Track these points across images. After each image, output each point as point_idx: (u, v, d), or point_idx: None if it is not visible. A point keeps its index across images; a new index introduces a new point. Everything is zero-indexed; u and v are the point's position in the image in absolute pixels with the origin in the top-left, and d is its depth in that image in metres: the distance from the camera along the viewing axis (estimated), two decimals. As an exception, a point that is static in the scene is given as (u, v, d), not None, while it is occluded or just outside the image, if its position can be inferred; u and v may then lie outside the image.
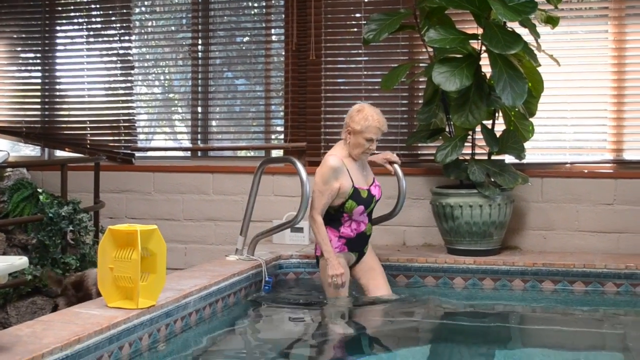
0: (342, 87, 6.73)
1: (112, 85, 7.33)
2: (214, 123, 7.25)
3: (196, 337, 4.09)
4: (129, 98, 7.26)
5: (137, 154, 7.20)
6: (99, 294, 4.21)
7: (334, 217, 4.88)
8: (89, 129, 7.36)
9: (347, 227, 4.88)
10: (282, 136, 6.88)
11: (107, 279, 3.69)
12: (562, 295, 5.23)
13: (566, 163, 6.18)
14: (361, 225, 4.93)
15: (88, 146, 7.29)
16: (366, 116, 4.78)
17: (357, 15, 6.66)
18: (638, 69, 6.08)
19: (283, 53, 6.86)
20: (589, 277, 5.31)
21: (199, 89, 7.14)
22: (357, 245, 4.97)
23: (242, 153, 7.22)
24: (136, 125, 7.27)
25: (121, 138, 7.23)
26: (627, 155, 6.12)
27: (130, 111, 7.24)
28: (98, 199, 6.56)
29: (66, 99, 7.49)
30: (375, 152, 5.05)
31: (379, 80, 6.15)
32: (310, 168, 6.21)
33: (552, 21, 5.55)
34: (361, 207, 4.85)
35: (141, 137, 7.35)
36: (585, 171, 6.10)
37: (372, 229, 5.03)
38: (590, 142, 6.22)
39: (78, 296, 4.64)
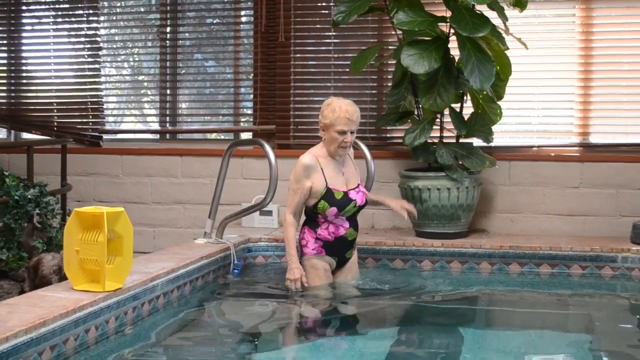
0: (311, 70, 6.72)
1: (80, 67, 7.25)
2: (182, 105, 7.21)
3: (164, 320, 4.07)
4: (96, 80, 7.19)
5: (105, 136, 7.14)
6: (57, 280, 4.19)
7: (311, 217, 4.79)
8: (56, 111, 7.28)
9: (325, 229, 4.73)
10: (251, 119, 6.86)
11: (73, 261, 3.66)
12: (528, 278, 5.28)
13: (533, 146, 6.23)
14: (340, 229, 4.74)
15: (55, 128, 7.21)
16: (334, 108, 4.63)
17: (327, -3, 6.65)
18: (605, 53, 6.14)
19: (252, 35, 6.82)
20: (555, 260, 5.36)
21: (168, 71, 7.08)
22: (336, 250, 4.80)
23: (212, 136, 7.19)
24: (104, 107, 7.20)
25: (89, 120, 7.17)
26: (594, 139, 6.18)
27: (98, 93, 7.17)
28: (65, 181, 6.50)
29: (33, 81, 7.40)
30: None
31: (349, 62, 6.14)
32: (279, 151, 6.23)
33: (520, 4, 5.56)
34: (334, 209, 4.66)
35: (109, 119, 7.28)
36: (552, 154, 6.15)
37: (355, 235, 4.85)
38: (557, 126, 6.27)
39: (35, 282, 4.57)
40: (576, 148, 6.18)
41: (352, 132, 4.65)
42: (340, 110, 4.60)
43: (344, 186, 4.73)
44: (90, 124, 7.16)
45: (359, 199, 4.77)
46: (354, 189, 4.78)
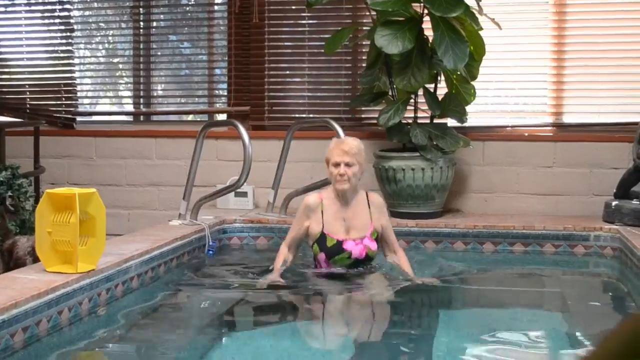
0: (285, 51, 6.70)
1: (53, 49, 7.18)
2: (157, 87, 7.17)
3: (138, 302, 4.07)
4: (69, 62, 7.13)
5: (79, 118, 7.09)
6: (32, 262, 4.17)
7: (313, 255, 4.59)
8: (28, 93, 7.22)
9: (320, 268, 4.51)
10: (225, 100, 6.84)
11: (46, 243, 3.64)
12: (502, 256, 5.32)
13: (507, 126, 6.26)
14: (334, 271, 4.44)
15: (28, 111, 7.15)
16: (332, 143, 4.42)
17: (301, -23, 6.62)
18: (578, 33, 6.17)
19: (226, 16, 6.79)
20: (529, 239, 5.41)
21: (141, 52, 7.04)
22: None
23: (188, 118, 7.16)
24: (77, 89, 7.15)
25: (62, 103, 7.11)
26: (567, 119, 6.22)
27: (71, 75, 7.11)
28: (38, 164, 6.45)
29: (4, 62, 7.32)
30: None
31: (323, 43, 6.13)
32: (254, 132, 6.22)
33: (493, -15, 5.58)
34: (323, 255, 4.41)
35: (83, 101, 7.23)
36: (526, 134, 6.19)
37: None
38: (531, 106, 6.30)
39: (10, 264, 4.55)
40: (549, 128, 6.22)
41: (347, 165, 4.31)
42: (334, 143, 4.41)
43: (341, 234, 4.40)
44: (64, 106, 7.10)
45: (357, 252, 4.38)
46: (355, 239, 4.40)
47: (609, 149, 5.99)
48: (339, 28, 6.16)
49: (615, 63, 6.13)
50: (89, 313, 3.63)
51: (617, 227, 5.33)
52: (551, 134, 6.17)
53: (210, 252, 5.15)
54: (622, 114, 6.10)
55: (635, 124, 5.75)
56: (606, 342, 0.55)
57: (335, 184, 4.37)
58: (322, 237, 4.39)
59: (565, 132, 6.19)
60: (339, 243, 4.38)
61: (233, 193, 6.06)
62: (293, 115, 6.53)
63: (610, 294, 4.79)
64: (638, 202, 5.46)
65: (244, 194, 6.18)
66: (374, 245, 4.43)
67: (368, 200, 4.48)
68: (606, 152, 5.99)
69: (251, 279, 4.65)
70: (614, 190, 5.65)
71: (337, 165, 4.32)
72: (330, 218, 4.40)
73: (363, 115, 6.50)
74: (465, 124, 5.85)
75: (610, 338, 0.55)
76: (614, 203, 5.53)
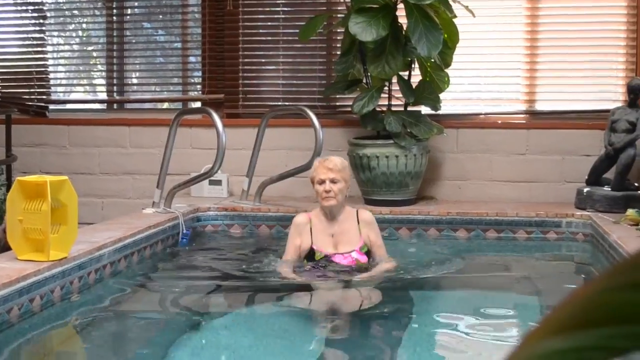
0: (260, 38, 6.67)
1: (25, 36, 7.12)
2: (130, 75, 7.12)
3: (111, 290, 4.05)
4: (42, 49, 7.06)
5: (52, 106, 7.02)
6: (1, 250, 4.14)
7: None
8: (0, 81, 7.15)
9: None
10: (199, 88, 6.81)
11: (17, 231, 3.62)
12: (475, 243, 5.35)
13: (481, 114, 6.29)
14: None
15: (-1, 99, 7.09)
16: (316, 162, 4.45)
17: (275, -35, 6.60)
18: (551, 21, 6.20)
19: (200, 3, 6.75)
20: (501, 225, 5.45)
21: (115, 40, 6.98)
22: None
23: (163, 106, 7.11)
24: (50, 77, 7.09)
25: (34, 90, 7.04)
26: (540, 106, 6.26)
27: (44, 63, 7.05)
28: (10, 152, 6.39)
29: (-25, 50, 7.25)
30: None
31: (298, 31, 6.12)
32: (228, 120, 6.20)
33: (467, -28, 5.59)
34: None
35: (56, 89, 7.17)
36: (499, 122, 6.22)
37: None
38: (504, 94, 6.33)
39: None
40: (522, 115, 6.26)
41: (332, 181, 4.31)
42: (319, 162, 4.42)
43: (330, 248, 4.39)
44: (36, 94, 7.04)
45: (345, 264, 4.37)
46: (344, 252, 4.38)
47: (582, 137, 6.03)
48: (314, 15, 6.15)
49: (587, 51, 6.18)
50: (61, 301, 3.61)
51: (589, 213, 5.37)
52: (524, 122, 6.21)
53: (184, 240, 5.13)
54: (595, 101, 6.15)
55: (607, 111, 5.80)
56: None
57: (321, 202, 4.35)
58: (311, 252, 4.38)
59: (538, 119, 6.23)
60: (327, 257, 4.37)
61: (207, 181, 6.05)
62: (267, 103, 6.51)
63: (583, 276, 4.83)
64: (609, 189, 5.52)
65: (218, 182, 6.17)
66: (363, 259, 4.40)
67: (357, 217, 4.48)
68: (578, 139, 6.03)
69: (225, 267, 4.64)
70: (586, 177, 5.70)
71: (322, 182, 4.31)
72: (318, 234, 4.40)
73: (337, 103, 6.50)
74: (439, 112, 5.86)
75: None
76: (585, 190, 5.58)
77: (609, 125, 5.64)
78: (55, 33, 7.21)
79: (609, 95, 6.13)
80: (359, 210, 4.58)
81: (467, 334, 3.40)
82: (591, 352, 0.56)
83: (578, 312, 0.55)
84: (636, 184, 5.52)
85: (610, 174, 5.60)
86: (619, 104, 5.87)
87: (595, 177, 5.65)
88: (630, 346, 0.55)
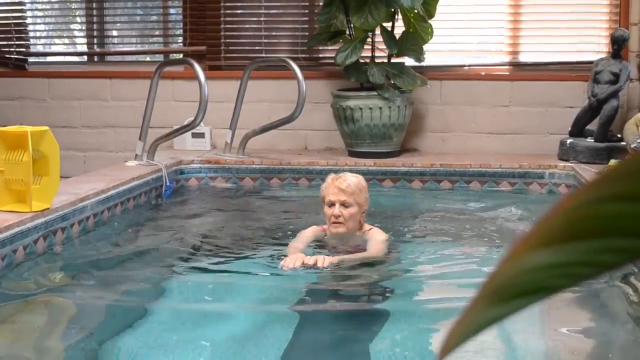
0: (242, -10, 6.59)
1: (2, -12, 7.00)
2: (111, 27, 7.03)
3: (95, 241, 4.04)
4: (20, 0, 6.94)
5: (31, 59, 6.93)
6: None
7: None
8: (-22, 33, 7.04)
9: None
10: (181, 40, 6.73)
11: (-2, 182, 3.59)
12: (459, 194, 5.36)
13: (464, 66, 6.27)
14: None
15: (-22, 52, 6.98)
16: (328, 179, 3.79)
17: None
18: (535, -28, 6.16)
19: (181, -46, 6.65)
20: (485, 177, 5.46)
21: (94, -9, 6.88)
22: None
23: (145, 59, 7.04)
24: (29, 29, 6.98)
25: (13, 43, 6.94)
26: (523, 58, 6.24)
27: (22, 15, 6.94)
28: (-10, 106, 6.33)
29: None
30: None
31: (279, -18, 6.05)
32: (210, 72, 6.15)
33: None
34: None
35: (34, 41, 7.07)
36: (483, 74, 6.20)
37: None
38: (488, 45, 6.30)
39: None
40: (506, 67, 6.24)
41: (344, 205, 3.68)
42: (331, 179, 3.76)
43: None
44: (15, 46, 6.94)
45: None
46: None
47: (565, 88, 6.03)
48: (296, -34, 6.08)
49: (571, 2, 6.14)
50: (45, 252, 3.61)
51: (571, 164, 5.40)
52: (508, 74, 6.20)
53: (168, 192, 5.12)
54: (578, 52, 6.13)
55: (591, 63, 5.79)
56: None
57: (329, 227, 3.76)
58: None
59: (521, 71, 6.21)
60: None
61: (190, 134, 6.02)
62: (250, 55, 6.45)
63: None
64: (592, 140, 5.53)
65: (201, 135, 6.14)
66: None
67: (367, 234, 3.82)
68: (562, 91, 6.03)
69: (208, 219, 4.63)
70: (569, 129, 5.71)
71: (331, 204, 3.70)
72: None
73: (320, 55, 6.45)
74: (423, 63, 5.83)
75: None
76: (568, 141, 5.60)
77: (592, 76, 5.64)
78: (34, -15, 7.09)
79: (593, 47, 6.11)
80: (374, 229, 3.88)
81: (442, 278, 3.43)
82: (578, 268, 0.55)
83: (563, 225, 0.54)
84: (619, 135, 5.53)
85: (593, 126, 5.62)
86: (603, 55, 5.87)
87: (578, 129, 5.67)
88: (617, 261, 0.55)
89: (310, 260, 3.34)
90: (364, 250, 3.68)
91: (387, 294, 3.35)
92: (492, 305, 0.57)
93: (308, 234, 3.86)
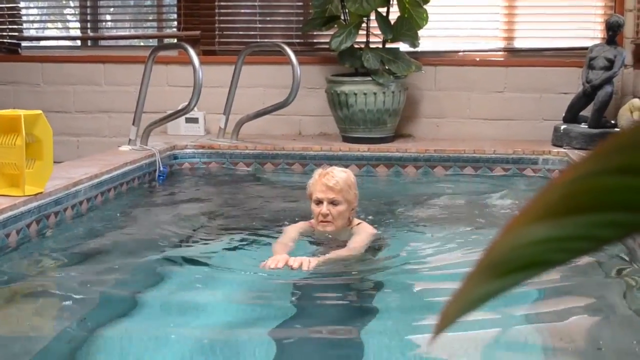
0: (236, -26, 6.56)
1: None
2: (104, 12, 6.99)
3: (88, 225, 4.03)
4: (12, -15, 6.91)
5: (24, 43, 6.90)
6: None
7: None
8: (-30, 17, 7.00)
9: None
10: (175, 25, 6.70)
11: (-9, 166, 3.57)
12: (452, 180, 5.36)
13: (459, 51, 6.25)
14: None
15: (-30, 36, 6.94)
16: (315, 175, 3.55)
17: None
18: (530, -43, 6.14)
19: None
20: (479, 162, 5.47)
21: (88, -25, 6.84)
22: None
23: (137, 43, 7.01)
24: (22, 13, 6.94)
25: (6, 27, 6.90)
26: (518, 44, 6.23)
27: (15, -1, 6.90)
28: (-17, 90, 6.30)
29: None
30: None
31: (274, -34, 6.02)
32: (204, 57, 6.13)
33: None
34: None
35: (27, 26, 7.03)
36: (477, 59, 6.19)
37: None
38: (483, 31, 6.29)
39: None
40: (501, 53, 6.23)
41: (332, 203, 3.46)
42: (319, 175, 3.51)
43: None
44: (8, 30, 6.90)
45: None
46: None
47: (559, 74, 6.03)
48: (290, -50, 6.05)
49: (566, -12, 6.14)
50: (38, 236, 3.60)
51: (565, 150, 5.40)
52: (502, 59, 6.19)
53: (161, 177, 5.11)
54: (573, 38, 6.12)
55: (585, 49, 5.78)
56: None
57: (317, 225, 3.55)
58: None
59: (516, 57, 6.21)
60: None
61: (184, 119, 6.00)
62: (244, 40, 6.43)
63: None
64: (586, 126, 5.54)
65: (195, 120, 6.12)
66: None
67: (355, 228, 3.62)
68: (556, 77, 6.03)
69: (202, 204, 4.62)
70: (563, 115, 5.71)
71: (319, 202, 3.48)
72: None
73: (315, 40, 6.43)
74: (417, 49, 5.82)
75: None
76: (562, 127, 5.60)
77: (587, 62, 5.63)
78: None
79: (587, 33, 6.10)
80: (363, 223, 3.70)
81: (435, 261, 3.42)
82: (575, 242, 0.54)
83: (561, 199, 0.53)
84: (613, 122, 5.53)
85: (587, 112, 5.61)
86: (597, 42, 5.86)
87: (572, 115, 5.67)
88: (615, 235, 0.54)
89: (294, 262, 3.11)
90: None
91: (377, 285, 3.30)
92: (489, 280, 0.56)
93: (295, 229, 3.65)
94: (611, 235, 0.54)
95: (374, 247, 3.57)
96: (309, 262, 3.12)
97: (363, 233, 3.55)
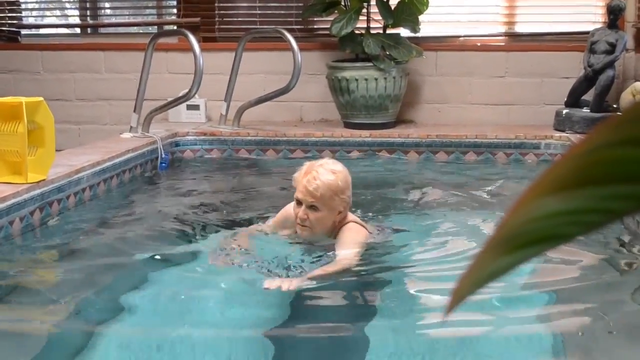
0: (236, -40, 6.54)
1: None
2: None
3: (91, 213, 4.03)
4: (11, -27, 6.89)
5: (24, 31, 6.88)
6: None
7: None
8: (-30, 6, 6.98)
9: None
10: (175, 12, 6.69)
11: (-7, 154, 3.57)
12: (454, 165, 5.36)
13: (460, 36, 6.24)
14: None
15: (-30, 24, 6.93)
16: (302, 169, 3.18)
17: None
18: (531, -59, 6.12)
19: None
20: (481, 147, 5.46)
21: (87, -37, 6.82)
22: None
23: (137, 30, 7.00)
24: (21, 1, 6.92)
25: (5, 15, 6.89)
26: (519, 28, 6.21)
27: (14, -13, 6.88)
28: (-17, 78, 6.29)
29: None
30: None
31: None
32: (205, 44, 6.11)
33: None
34: None
35: (27, 14, 7.01)
36: (479, 44, 6.17)
37: None
38: (484, 15, 6.27)
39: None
40: (502, 38, 6.21)
41: (311, 207, 3.10)
42: (304, 173, 3.13)
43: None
44: (7, 18, 6.88)
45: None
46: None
47: (561, 59, 6.01)
48: (290, -64, 6.03)
49: (567, -28, 6.12)
50: (41, 223, 3.60)
51: (567, 134, 5.40)
52: (503, 44, 6.17)
53: (163, 164, 5.11)
54: (574, 23, 6.10)
55: (587, 33, 5.76)
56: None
57: (297, 228, 3.21)
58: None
59: (517, 41, 6.19)
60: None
61: (185, 106, 5.99)
62: (244, 27, 6.41)
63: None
64: (588, 111, 5.53)
65: (196, 107, 6.12)
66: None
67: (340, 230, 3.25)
68: (558, 61, 6.01)
69: (205, 191, 4.61)
70: (565, 99, 5.70)
71: (298, 203, 3.15)
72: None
73: (315, 26, 6.42)
74: (418, 34, 5.81)
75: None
76: (564, 111, 5.59)
77: (589, 46, 5.62)
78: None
79: (589, 17, 6.08)
80: (351, 224, 3.28)
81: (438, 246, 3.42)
82: (588, 215, 0.54)
83: (573, 171, 0.53)
84: (615, 106, 5.52)
85: (589, 96, 5.60)
86: (599, 25, 5.84)
87: (574, 99, 5.66)
88: (627, 208, 0.54)
89: (271, 284, 2.75)
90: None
91: (377, 283, 3.21)
92: (502, 254, 0.56)
93: (279, 220, 3.40)
94: (622, 207, 0.54)
95: (365, 248, 3.26)
96: (289, 283, 2.76)
97: (351, 243, 3.16)
